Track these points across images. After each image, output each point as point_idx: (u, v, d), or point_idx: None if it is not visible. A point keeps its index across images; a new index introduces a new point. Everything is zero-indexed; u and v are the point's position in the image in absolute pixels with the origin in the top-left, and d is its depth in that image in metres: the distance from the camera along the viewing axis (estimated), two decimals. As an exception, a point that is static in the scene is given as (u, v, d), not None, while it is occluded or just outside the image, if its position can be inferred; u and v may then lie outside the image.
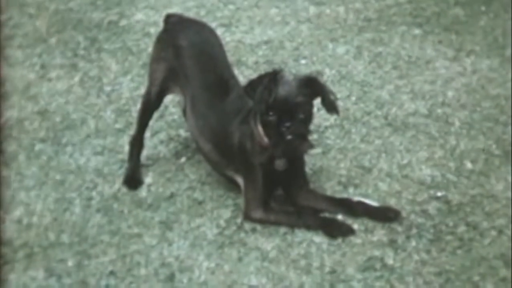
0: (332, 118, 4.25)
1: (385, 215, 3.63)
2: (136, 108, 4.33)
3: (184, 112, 3.91)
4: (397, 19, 5.15)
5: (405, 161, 3.99)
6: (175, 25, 3.92)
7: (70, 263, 3.49)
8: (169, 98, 4.06)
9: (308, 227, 3.59)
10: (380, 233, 3.58)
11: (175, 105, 4.26)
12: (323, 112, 4.27)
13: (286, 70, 3.51)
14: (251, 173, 3.61)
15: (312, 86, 3.49)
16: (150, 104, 3.89)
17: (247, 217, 3.64)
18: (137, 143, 3.93)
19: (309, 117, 3.51)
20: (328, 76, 4.59)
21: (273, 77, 3.45)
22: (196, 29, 3.89)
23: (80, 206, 3.77)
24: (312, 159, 3.94)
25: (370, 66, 4.70)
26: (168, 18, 3.99)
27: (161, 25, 4.92)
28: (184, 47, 3.76)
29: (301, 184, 3.70)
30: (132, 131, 4.17)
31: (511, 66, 4.67)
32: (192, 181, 3.90)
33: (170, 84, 3.81)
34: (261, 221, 3.63)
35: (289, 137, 3.44)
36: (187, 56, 3.75)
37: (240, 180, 3.68)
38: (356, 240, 3.55)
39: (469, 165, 3.97)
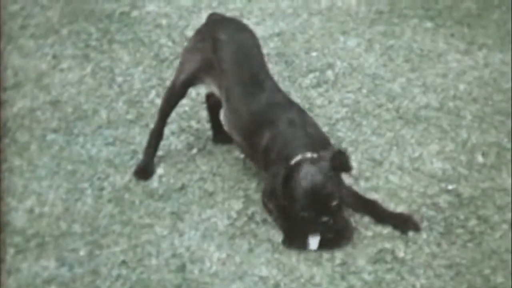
0: (344, 111, 4.25)
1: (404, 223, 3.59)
2: (147, 99, 4.35)
3: (207, 98, 3.98)
4: (409, 12, 5.14)
5: (416, 154, 3.99)
6: (216, 21, 3.99)
7: (81, 253, 3.51)
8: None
9: None
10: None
11: (186, 96, 4.25)
12: (334, 104, 4.31)
13: (303, 158, 3.39)
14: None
15: (334, 163, 3.41)
16: (174, 93, 3.90)
17: (262, 201, 3.66)
18: (156, 133, 3.93)
19: (341, 201, 3.41)
20: (339, 69, 4.59)
21: (287, 173, 3.39)
22: (237, 27, 3.95)
23: (92, 196, 3.78)
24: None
25: (382, 59, 4.69)
26: (211, 16, 4.06)
27: (172, 16, 5.01)
28: (223, 41, 3.79)
29: None
30: (143, 122, 4.19)
31: (523, 60, 4.66)
32: (203, 172, 3.91)
33: (201, 75, 3.83)
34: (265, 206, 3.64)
35: (329, 235, 3.43)
36: (225, 50, 3.77)
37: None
38: (367, 232, 3.56)
39: (480, 158, 3.97)
